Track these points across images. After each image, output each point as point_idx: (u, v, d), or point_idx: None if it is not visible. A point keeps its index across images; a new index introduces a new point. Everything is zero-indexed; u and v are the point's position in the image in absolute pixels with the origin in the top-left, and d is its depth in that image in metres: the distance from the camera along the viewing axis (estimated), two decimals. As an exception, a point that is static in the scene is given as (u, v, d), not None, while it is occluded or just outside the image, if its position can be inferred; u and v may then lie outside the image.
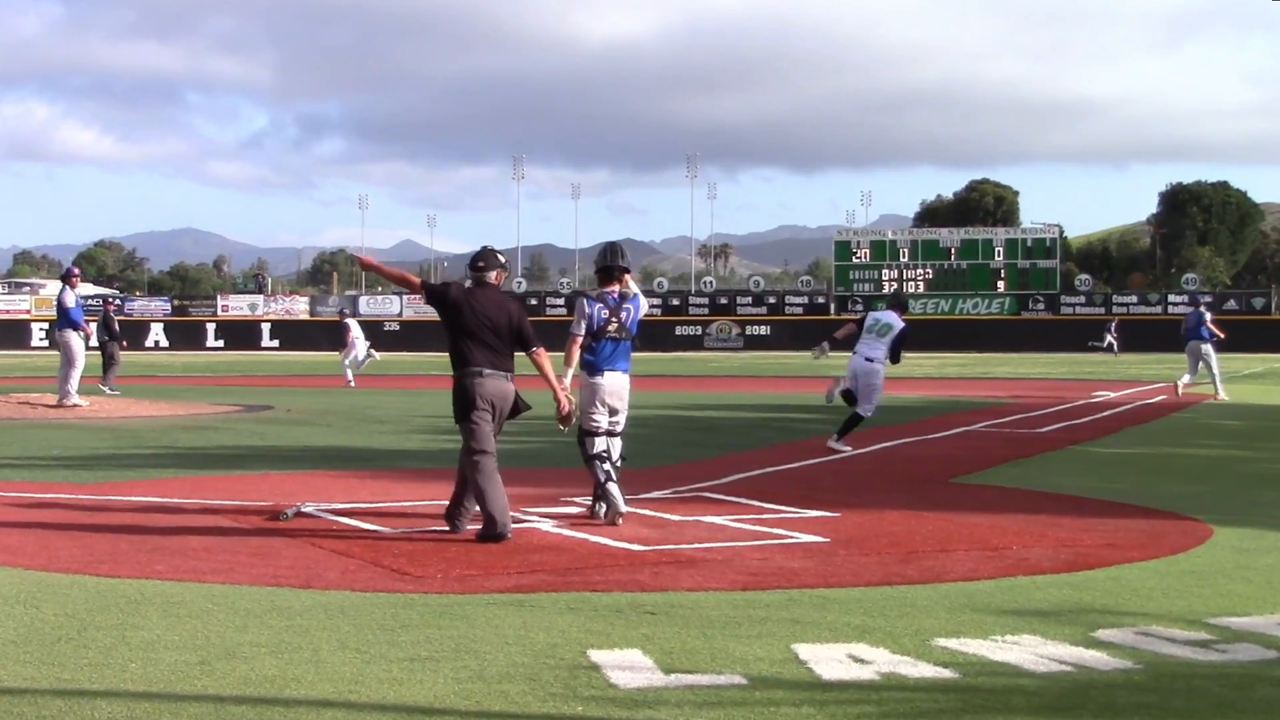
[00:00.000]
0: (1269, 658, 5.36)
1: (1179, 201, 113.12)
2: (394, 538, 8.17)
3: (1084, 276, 77.30)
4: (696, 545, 7.96)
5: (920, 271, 70.64)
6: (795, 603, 6.34)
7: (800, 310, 71.56)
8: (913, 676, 4.99)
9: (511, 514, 8.46)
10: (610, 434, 9.16)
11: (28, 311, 73.63)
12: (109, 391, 24.42)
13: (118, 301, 68.10)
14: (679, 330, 69.28)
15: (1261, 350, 51.15)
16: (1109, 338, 58.44)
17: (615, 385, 9.07)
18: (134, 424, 17.89)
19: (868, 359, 13.91)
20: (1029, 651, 5.36)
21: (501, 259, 8.79)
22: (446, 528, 8.38)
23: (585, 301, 9.08)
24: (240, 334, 70.94)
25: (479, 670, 5.01)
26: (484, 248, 8.80)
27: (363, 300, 74.14)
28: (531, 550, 7.74)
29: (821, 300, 72.87)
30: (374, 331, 66.47)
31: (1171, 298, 68.67)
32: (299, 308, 74.69)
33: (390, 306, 71.26)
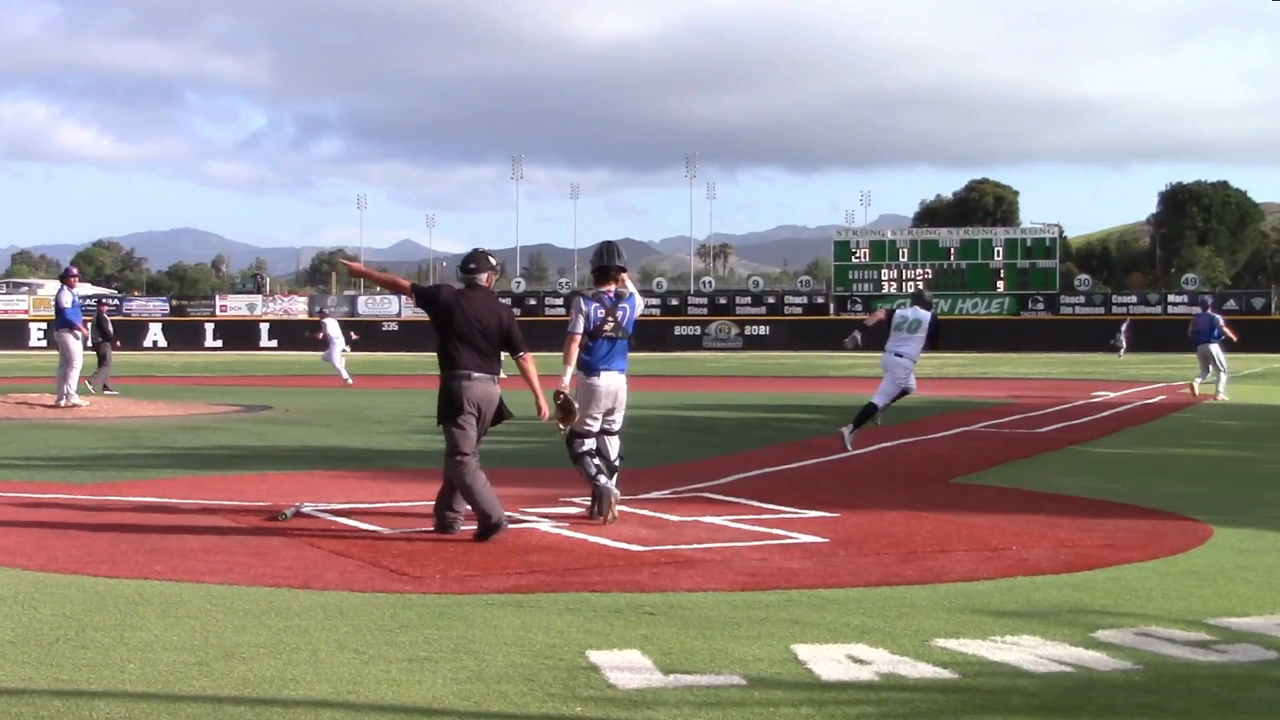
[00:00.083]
0: (1269, 658, 5.35)
1: (1179, 201, 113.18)
2: (392, 538, 8.16)
3: (1084, 276, 77.31)
4: (695, 546, 7.96)
5: (919, 271, 70.64)
6: (794, 603, 6.33)
7: (799, 310, 71.58)
8: (912, 677, 4.99)
9: (511, 514, 8.46)
10: (608, 433, 9.16)
11: (26, 312, 73.62)
12: (104, 391, 24.41)
13: (115, 302, 68.32)
14: (678, 330, 69.29)
15: (1261, 350, 51.16)
16: (1120, 338, 57.94)
17: (611, 385, 9.07)
18: (132, 424, 17.88)
19: (898, 354, 14.72)
20: (1028, 652, 5.35)
21: (493, 261, 8.78)
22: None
23: (582, 300, 9.09)
24: (239, 334, 70.92)
25: (477, 671, 5.00)
26: (475, 250, 8.80)
27: (361, 300, 74.12)
28: (530, 551, 7.74)
29: (821, 300, 72.88)
30: (372, 332, 66.65)
31: (1171, 298, 68.69)
32: (297, 308, 74.65)
33: (389, 307, 71.22)
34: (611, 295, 9.11)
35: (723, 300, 72.66)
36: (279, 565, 7.20)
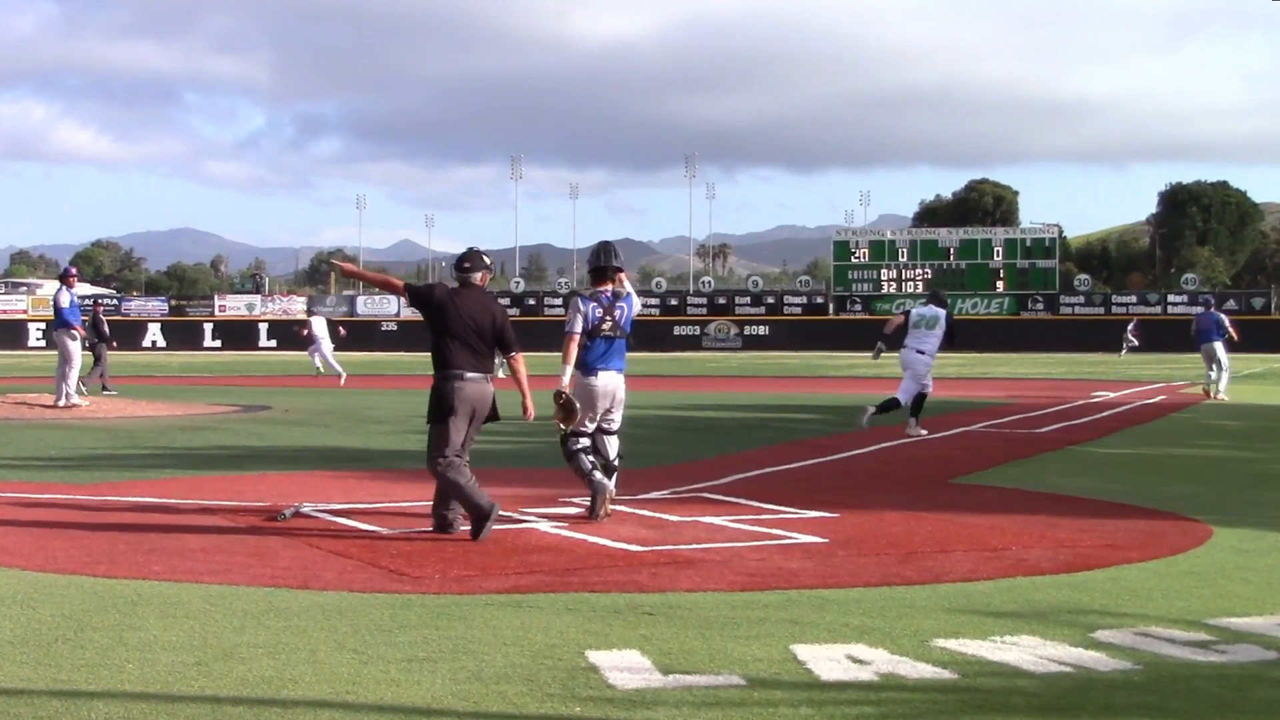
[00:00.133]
0: (1268, 658, 5.34)
1: (1178, 201, 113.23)
2: (391, 538, 8.15)
3: (1083, 276, 77.33)
4: (695, 546, 7.95)
5: (919, 271, 70.67)
6: (794, 603, 6.33)
7: (799, 310, 71.59)
8: (911, 677, 4.98)
9: (510, 514, 8.45)
10: (606, 432, 9.16)
11: (24, 312, 73.63)
12: (103, 392, 24.40)
13: (114, 302, 68.32)
14: (677, 330, 69.31)
15: (1261, 350, 51.17)
16: (1130, 339, 57.70)
17: (609, 384, 9.08)
18: (131, 424, 17.87)
19: (919, 351, 15.51)
20: (1028, 652, 5.35)
21: (487, 260, 8.78)
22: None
23: (579, 300, 9.12)
24: (237, 334, 70.93)
25: (477, 671, 5.00)
26: (470, 249, 8.81)
27: (360, 301, 74.12)
28: (529, 551, 7.73)
29: (820, 300, 72.91)
30: (371, 332, 66.69)
31: (1171, 298, 68.69)
32: (296, 308, 74.65)
33: (388, 307, 71.22)
34: (609, 294, 9.13)
35: (722, 300, 72.68)
36: (278, 565, 7.19)
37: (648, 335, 61.57)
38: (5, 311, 74.40)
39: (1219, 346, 24.41)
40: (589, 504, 8.98)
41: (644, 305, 70.09)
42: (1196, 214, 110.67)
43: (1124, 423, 19.13)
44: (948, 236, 72.64)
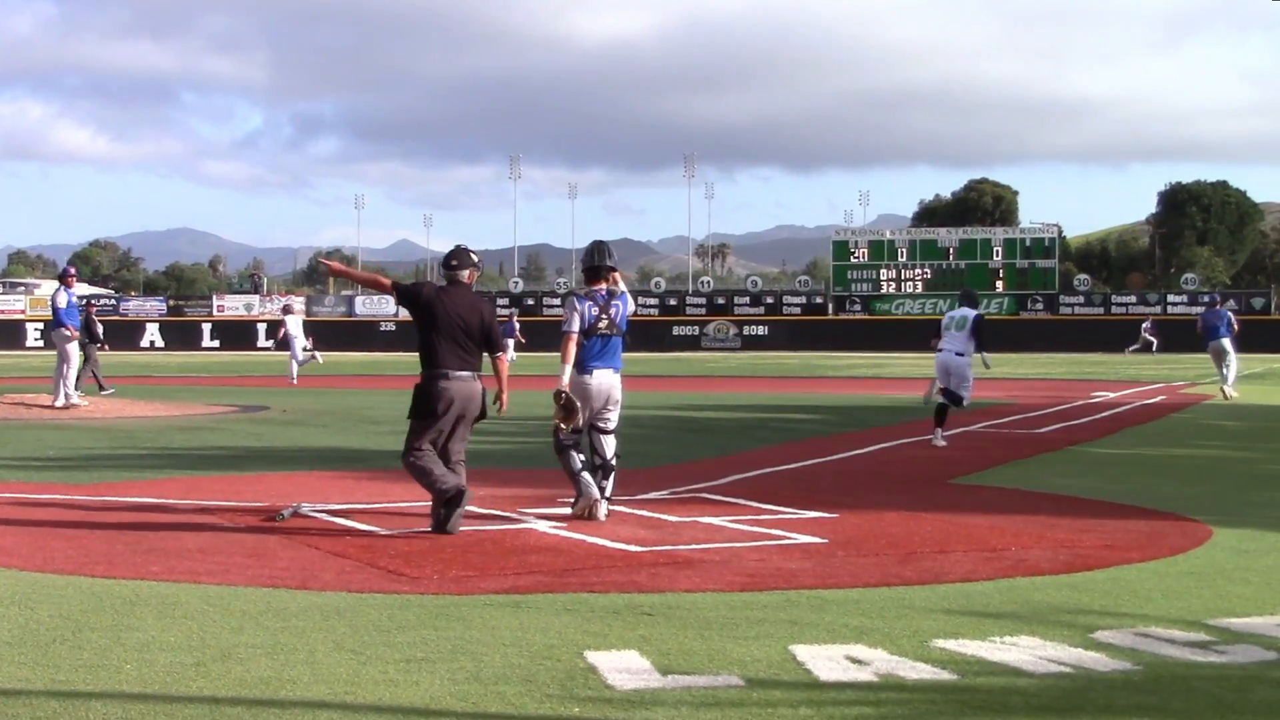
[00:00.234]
0: (1268, 659, 5.34)
1: (1178, 201, 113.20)
2: (390, 538, 8.15)
3: (1083, 276, 77.32)
4: (694, 546, 7.94)
5: (918, 271, 70.66)
6: (793, 604, 6.32)
7: (798, 310, 71.56)
8: (911, 678, 4.98)
9: (509, 514, 8.44)
10: (602, 432, 9.16)
11: (22, 312, 73.59)
12: (101, 392, 24.38)
13: (112, 302, 68.30)
14: (676, 330, 69.27)
15: (1261, 350, 51.12)
16: (1146, 337, 57.40)
17: (603, 383, 9.08)
18: (129, 424, 17.86)
19: (958, 354, 15.42)
20: (1027, 653, 5.34)
21: (475, 258, 8.80)
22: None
23: (575, 299, 9.14)
24: (236, 334, 70.86)
25: (475, 671, 4.99)
26: (457, 246, 8.84)
27: (359, 301, 74.04)
28: (528, 551, 7.72)
29: (819, 300, 72.88)
30: (370, 332, 66.67)
31: (1171, 298, 68.68)
32: (296, 308, 74.53)
33: (386, 307, 71.11)
34: (604, 293, 9.15)
35: (721, 300, 72.63)
36: (276, 566, 7.18)
37: (647, 335, 61.59)
38: (3, 311, 74.33)
39: (1226, 343, 24.36)
40: (572, 501, 8.99)
41: (643, 305, 70.38)
42: (1196, 214, 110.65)
43: (1124, 423, 19.13)
44: (947, 236, 72.62)
